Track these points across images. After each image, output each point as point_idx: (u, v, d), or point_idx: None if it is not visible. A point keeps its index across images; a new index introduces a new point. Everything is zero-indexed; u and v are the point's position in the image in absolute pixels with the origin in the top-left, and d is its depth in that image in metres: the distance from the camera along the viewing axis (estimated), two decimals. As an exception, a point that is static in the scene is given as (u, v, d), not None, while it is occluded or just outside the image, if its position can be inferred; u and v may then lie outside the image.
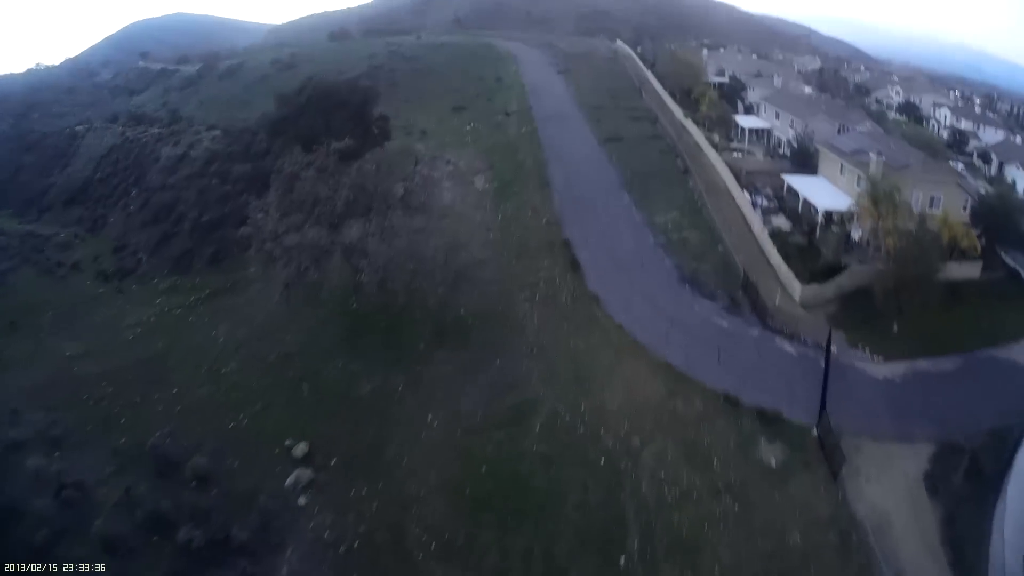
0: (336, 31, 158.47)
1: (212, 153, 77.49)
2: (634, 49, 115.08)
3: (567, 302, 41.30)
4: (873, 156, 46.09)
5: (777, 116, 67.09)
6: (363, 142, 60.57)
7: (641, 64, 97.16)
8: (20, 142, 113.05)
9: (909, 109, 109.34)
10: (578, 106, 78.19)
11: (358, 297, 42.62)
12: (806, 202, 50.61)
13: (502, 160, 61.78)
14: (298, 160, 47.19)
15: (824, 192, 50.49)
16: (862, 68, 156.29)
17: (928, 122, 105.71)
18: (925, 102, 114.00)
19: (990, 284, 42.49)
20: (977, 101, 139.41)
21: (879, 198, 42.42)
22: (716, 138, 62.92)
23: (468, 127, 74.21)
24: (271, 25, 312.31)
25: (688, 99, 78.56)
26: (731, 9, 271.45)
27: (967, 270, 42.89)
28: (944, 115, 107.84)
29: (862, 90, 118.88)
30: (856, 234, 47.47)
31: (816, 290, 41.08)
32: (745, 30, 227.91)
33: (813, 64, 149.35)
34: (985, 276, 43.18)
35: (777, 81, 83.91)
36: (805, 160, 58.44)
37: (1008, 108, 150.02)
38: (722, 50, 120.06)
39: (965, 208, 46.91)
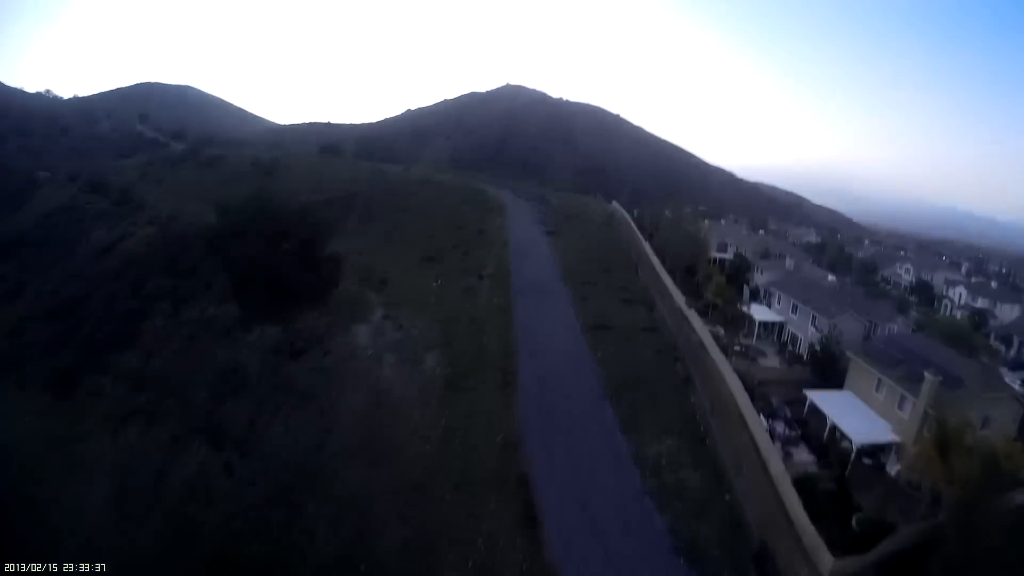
0: (327, 146, 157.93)
1: (134, 256, 69.49)
2: (631, 211, 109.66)
3: (512, 582, 28.39)
4: (929, 377, 36.79)
5: (794, 309, 57.32)
6: (304, 285, 51.16)
7: (638, 233, 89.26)
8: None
9: (922, 289, 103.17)
10: (564, 278, 68.29)
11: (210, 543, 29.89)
12: (834, 427, 40.21)
13: (464, 337, 50.98)
14: (183, 313, 36.80)
15: (858, 417, 40.62)
16: (866, 243, 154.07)
17: (942, 302, 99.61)
18: (937, 279, 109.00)
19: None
20: (965, 266, 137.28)
21: (950, 441, 32.39)
22: (723, 334, 52.22)
23: (435, 284, 64.73)
24: (272, 124, 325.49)
25: (690, 278, 69.58)
26: (727, 175, 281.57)
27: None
28: (959, 294, 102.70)
29: (868, 267, 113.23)
30: (893, 468, 38.00)
31: (850, 564, 29.70)
32: (740, 197, 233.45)
33: (809, 236, 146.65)
34: (1027, 499, 34.68)
35: (789, 263, 75.69)
36: (828, 366, 48.29)
37: (997, 268, 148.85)
38: (723, 221, 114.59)
39: (1015, 422, 39.63)
